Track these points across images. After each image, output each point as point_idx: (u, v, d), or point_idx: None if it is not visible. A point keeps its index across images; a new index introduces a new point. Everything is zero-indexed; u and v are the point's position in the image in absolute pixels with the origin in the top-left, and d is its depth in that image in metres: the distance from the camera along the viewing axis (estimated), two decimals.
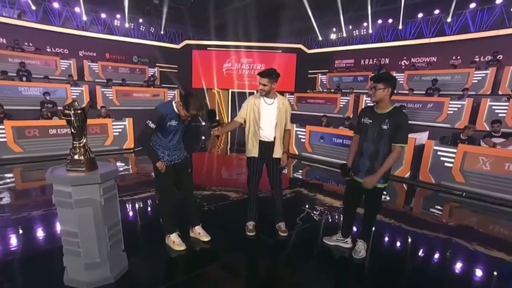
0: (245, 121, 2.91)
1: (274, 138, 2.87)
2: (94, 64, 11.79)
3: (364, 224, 2.75)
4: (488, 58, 10.10)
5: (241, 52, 14.85)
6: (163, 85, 12.64)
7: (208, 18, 14.80)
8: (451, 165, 4.89)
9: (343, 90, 11.44)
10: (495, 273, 2.67)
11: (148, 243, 2.87)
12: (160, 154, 2.52)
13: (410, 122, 8.11)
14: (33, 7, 11.85)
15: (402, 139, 2.33)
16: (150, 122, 2.36)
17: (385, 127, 2.33)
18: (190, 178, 2.82)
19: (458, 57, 10.78)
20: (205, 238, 2.88)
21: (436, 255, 2.91)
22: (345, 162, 2.64)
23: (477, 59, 10.34)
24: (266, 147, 2.89)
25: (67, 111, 1.96)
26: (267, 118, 2.84)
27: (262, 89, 2.75)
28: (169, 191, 2.66)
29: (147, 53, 14.16)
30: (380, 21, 13.42)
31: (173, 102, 2.48)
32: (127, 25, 14.05)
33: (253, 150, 2.88)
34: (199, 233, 2.89)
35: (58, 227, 2.41)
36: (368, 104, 2.51)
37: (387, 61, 12.99)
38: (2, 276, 2.28)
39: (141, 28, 14.89)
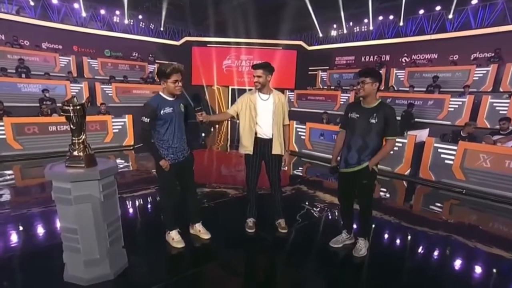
0: (237, 116, 2.88)
1: (272, 135, 2.85)
2: (93, 60, 11.75)
3: (361, 221, 2.75)
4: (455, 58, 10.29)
5: (241, 49, 14.80)
6: None
7: (208, 15, 14.73)
8: (451, 162, 4.88)
9: (343, 87, 11.41)
10: (494, 270, 2.67)
11: (148, 240, 2.86)
12: (164, 152, 2.47)
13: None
14: (32, 3, 11.78)
15: (394, 132, 2.39)
16: (144, 117, 2.35)
17: (373, 121, 2.37)
18: (193, 175, 2.80)
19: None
20: (206, 236, 2.87)
21: (436, 253, 2.90)
22: (332, 165, 2.69)
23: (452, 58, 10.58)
24: (264, 144, 2.86)
25: (66, 107, 1.95)
26: (264, 114, 2.81)
27: (257, 81, 2.72)
28: (171, 188, 2.64)
29: (121, 47, 13.66)
30: (381, 18, 13.36)
31: (159, 92, 2.48)
32: (126, 21, 13.98)
33: (248, 147, 2.85)
34: (199, 230, 2.89)
35: (58, 224, 2.41)
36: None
37: (387, 58, 12.94)
38: (2, 273, 2.28)
39: (140, 25, 14.82)
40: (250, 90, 2.93)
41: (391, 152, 5.35)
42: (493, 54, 9.52)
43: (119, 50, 13.59)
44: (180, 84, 2.41)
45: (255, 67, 2.73)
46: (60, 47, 12.14)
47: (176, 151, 2.52)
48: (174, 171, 2.55)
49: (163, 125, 2.42)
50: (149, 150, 2.49)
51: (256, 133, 2.83)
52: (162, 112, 2.37)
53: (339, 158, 2.68)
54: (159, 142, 2.47)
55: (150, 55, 14.00)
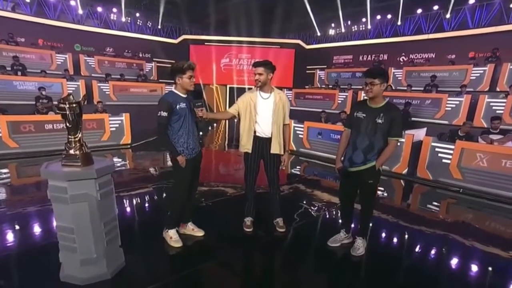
0: (239, 114, 2.86)
1: (271, 134, 2.84)
2: (90, 58, 11.66)
3: (361, 221, 2.75)
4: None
5: (239, 47, 14.76)
6: (160, 81, 12.55)
7: (206, 13, 14.67)
8: (448, 161, 4.90)
9: (341, 86, 11.42)
10: (490, 269, 2.68)
11: (145, 239, 2.85)
12: (179, 148, 2.50)
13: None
14: (27, 0, 11.66)
15: (397, 133, 2.39)
16: (161, 112, 2.40)
17: (379, 121, 2.36)
18: (199, 174, 2.82)
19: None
20: (200, 233, 2.86)
21: (434, 251, 2.92)
22: (339, 166, 2.65)
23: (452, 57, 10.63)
24: (263, 143, 2.85)
25: (62, 105, 1.93)
26: (264, 113, 2.79)
27: (257, 79, 2.70)
28: (187, 186, 2.63)
29: (91, 42, 13.04)
30: (378, 17, 13.38)
31: (172, 89, 2.56)
32: (123, 19, 13.89)
33: (247, 145, 2.84)
34: (192, 229, 2.88)
35: (54, 223, 2.38)
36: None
37: (385, 57, 12.98)
38: None
39: (138, 23, 14.73)
40: (249, 89, 2.92)
41: None
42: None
43: (91, 45, 12.99)
44: (193, 80, 2.50)
45: (256, 64, 2.72)
46: (23, 40, 11.28)
47: (190, 146, 2.56)
48: (190, 167, 2.57)
49: (177, 120, 2.48)
50: (165, 146, 2.52)
51: (255, 132, 2.82)
52: (177, 107, 2.44)
53: (342, 157, 2.67)
54: (174, 138, 2.51)
55: (126, 51, 13.49)
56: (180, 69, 2.44)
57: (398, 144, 5.20)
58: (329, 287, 2.40)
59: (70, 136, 2.01)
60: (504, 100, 6.93)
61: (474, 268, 2.67)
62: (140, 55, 14.11)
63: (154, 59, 13.65)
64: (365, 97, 2.53)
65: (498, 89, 8.36)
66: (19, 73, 8.93)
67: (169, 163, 2.59)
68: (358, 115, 2.49)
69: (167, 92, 2.62)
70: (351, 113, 2.59)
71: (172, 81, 2.53)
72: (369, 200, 2.65)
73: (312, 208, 3.83)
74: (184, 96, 2.54)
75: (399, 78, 10.64)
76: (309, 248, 2.85)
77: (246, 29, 14.16)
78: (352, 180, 2.60)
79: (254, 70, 2.71)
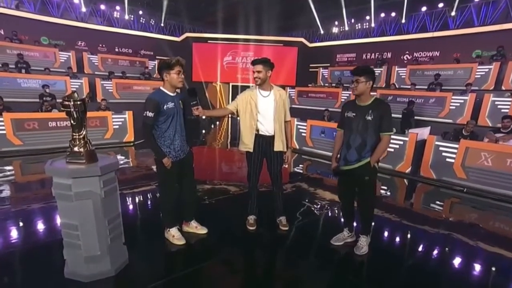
0: (237, 112, 2.85)
1: (274, 131, 2.83)
2: (93, 56, 11.70)
3: (362, 219, 2.74)
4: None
5: (242, 45, 14.72)
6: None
7: (208, 11, 14.64)
8: (452, 160, 4.86)
9: (344, 85, 11.37)
10: (494, 268, 2.66)
11: (148, 237, 2.86)
12: (165, 150, 2.44)
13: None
14: None
15: (388, 128, 2.41)
16: (147, 112, 2.31)
17: (369, 118, 2.39)
18: (193, 173, 2.79)
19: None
20: (203, 231, 2.87)
21: (437, 251, 2.90)
22: (334, 166, 2.69)
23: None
24: (266, 141, 2.84)
25: (66, 102, 1.93)
26: (265, 111, 2.79)
27: (257, 76, 2.69)
28: (172, 186, 2.62)
29: (64, 35, 12.51)
30: (382, 15, 13.28)
31: (160, 87, 2.45)
32: (126, 17, 13.92)
33: (248, 144, 2.83)
34: (195, 227, 2.88)
35: (58, 220, 2.40)
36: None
37: (389, 55, 12.89)
38: (3, 269, 2.27)
39: (141, 20, 14.76)
40: (251, 86, 2.91)
41: (392, 150, 5.36)
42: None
43: (60, 39, 12.48)
44: (182, 76, 2.41)
45: (254, 62, 2.72)
46: (27, 37, 11.00)
47: (177, 148, 2.50)
48: (175, 169, 2.53)
49: (165, 121, 2.40)
50: (151, 147, 2.44)
51: (258, 131, 2.81)
52: (165, 107, 2.35)
53: (338, 156, 2.69)
54: (160, 140, 2.44)
55: (100, 45, 13.20)
56: (167, 64, 2.34)
57: (400, 143, 5.22)
58: (332, 286, 2.39)
59: (74, 134, 2.02)
60: (510, 99, 6.86)
61: (478, 268, 2.65)
62: (142, 52, 14.13)
63: (157, 57, 13.67)
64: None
65: (503, 88, 8.28)
66: (23, 70, 8.98)
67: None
68: (348, 114, 2.53)
69: (154, 90, 2.48)
70: (342, 114, 2.62)
71: None
72: (368, 197, 2.64)
73: (315, 206, 3.82)
74: (173, 94, 2.43)
75: (403, 76, 10.57)
76: (312, 246, 2.85)
77: (249, 27, 14.13)
78: (349, 178, 2.60)
79: (253, 68, 2.71)
